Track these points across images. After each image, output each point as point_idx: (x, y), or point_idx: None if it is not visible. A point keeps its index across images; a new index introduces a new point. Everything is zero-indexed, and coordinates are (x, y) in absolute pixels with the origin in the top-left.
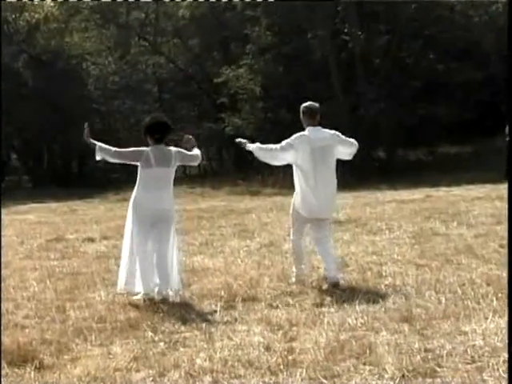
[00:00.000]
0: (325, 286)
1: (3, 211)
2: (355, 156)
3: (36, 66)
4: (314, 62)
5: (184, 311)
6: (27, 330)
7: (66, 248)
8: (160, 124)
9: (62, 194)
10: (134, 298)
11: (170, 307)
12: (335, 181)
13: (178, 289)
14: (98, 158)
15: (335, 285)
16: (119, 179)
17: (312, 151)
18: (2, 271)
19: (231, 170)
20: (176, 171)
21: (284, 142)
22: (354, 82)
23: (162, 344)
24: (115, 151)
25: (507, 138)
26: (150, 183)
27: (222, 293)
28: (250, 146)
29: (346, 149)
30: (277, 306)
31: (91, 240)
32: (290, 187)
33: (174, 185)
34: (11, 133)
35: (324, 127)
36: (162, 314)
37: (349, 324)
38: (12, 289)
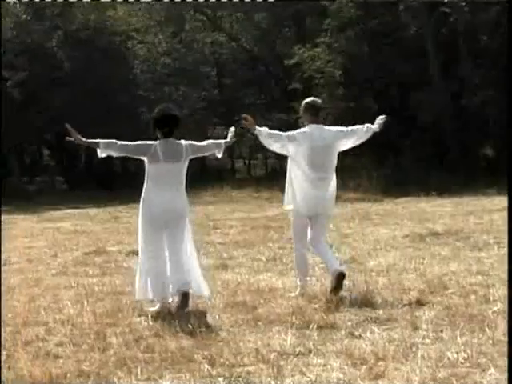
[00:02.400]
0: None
1: (33, 218)
2: (455, 155)
3: (73, 46)
4: (406, 39)
5: (247, 340)
6: (61, 360)
7: (106, 262)
8: (168, 117)
9: (103, 199)
10: (151, 309)
11: (230, 335)
12: (334, 178)
13: (207, 295)
14: (102, 155)
15: (340, 276)
16: None
17: (313, 148)
18: (2, 271)
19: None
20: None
21: (290, 133)
22: (456, 65)
23: (221, 379)
24: (121, 145)
25: None
26: (159, 180)
27: (294, 318)
28: (259, 130)
29: (352, 138)
30: (359, 336)
31: (136, 253)
32: (375, 192)
33: (237, 188)
34: (43, 125)
35: (413, 118)
36: (221, 343)
37: (448, 359)
38: (43, 310)
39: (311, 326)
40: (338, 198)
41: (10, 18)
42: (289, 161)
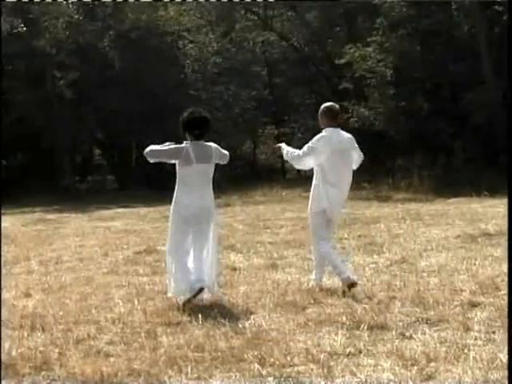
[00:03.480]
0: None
1: (84, 217)
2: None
3: (124, 45)
4: (458, 38)
5: (297, 340)
6: (112, 359)
7: (157, 262)
8: (200, 119)
9: (154, 198)
10: (179, 300)
11: (280, 335)
12: (351, 181)
13: (216, 291)
14: (152, 161)
15: (352, 285)
16: (220, 180)
17: (332, 153)
18: (2, 271)
19: (355, 169)
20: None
21: (306, 147)
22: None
23: (270, 379)
24: (160, 151)
25: None
26: (191, 181)
27: (344, 318)
28: (284, 153)
29: (356, 156)
30: (410, 336)
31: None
32: (427, 192)
33: (287, 188)
34: (94, 124)
35: (465, 118)
36: (271, 343)
37: (500, 361)
38: (94, 309)
39: (362, 327)
40: (389, 198)
41: (62, 19)
42: (316, 170)
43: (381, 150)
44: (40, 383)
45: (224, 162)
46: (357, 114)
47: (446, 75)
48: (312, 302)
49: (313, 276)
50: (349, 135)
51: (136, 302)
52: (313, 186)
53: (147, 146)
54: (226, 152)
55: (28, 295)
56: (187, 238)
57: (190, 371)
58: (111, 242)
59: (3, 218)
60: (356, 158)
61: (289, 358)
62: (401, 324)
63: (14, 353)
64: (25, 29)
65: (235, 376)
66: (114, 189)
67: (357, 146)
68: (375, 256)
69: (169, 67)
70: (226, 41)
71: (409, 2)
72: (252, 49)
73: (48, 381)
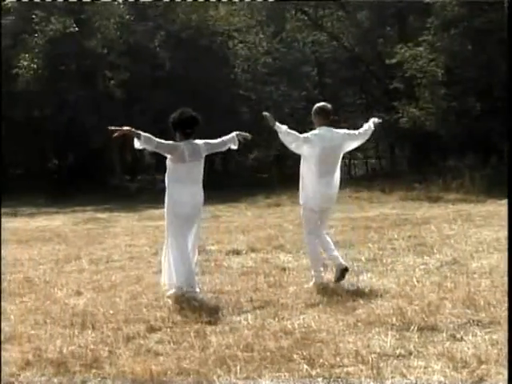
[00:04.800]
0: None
1: (134, 216)
2: None
3: (174, 46)
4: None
5: (347, 341)
6: (161, 358)
7: (206, 261)
8: (191, 118)
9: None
10: (168, 293)
11: (329, 336)
12: (339, 175)
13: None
14: (139, 147)
15: (345, 270)
16: (270, 180)
17: (324, 149)
18: (2, 271)
19: (406, 170)
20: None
21: (305, 135)
22: None
23: (320, 379)
24: (158, 142)
25: None
26: (185, 177)
27: (394, 320)
28: (279, 127)
29: (356, 141)
30: (461, 338)
31: (236, 252)
32: (478, 193)
33: (339, 188)
34: (145, 124)
35: None
36: (320, 344)
37: None
38: (144, 308)
39: (412, 328)
40: (439, 198)
41: (114, 19)
42: (302, 160)
43: (432, 150)
44: (90, 381)
45: (222, 148)
46: (407, 113)
47: (498, 75)
48: (361, 302)
49: (312, 273)
50: (343, 131)
51: (185, 302)
52: (301, 179)
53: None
54: (218, 140)
55: (79, 293)
56: (185, 233)
57: (239, 371)
58: (160, 242)
59: (55, 217)
60: (357, 142)
61: (338, 359)
62: (451, 326)
63: (65, 350)
64: (77, 29)
65: (284, 376)
66: (164, 188)
67: (353, 132)
68: (425, 257)
69: (219, 67)
70: (276, 41)
71: (461, 1)
72: (302, 49)
73: (98, 379)
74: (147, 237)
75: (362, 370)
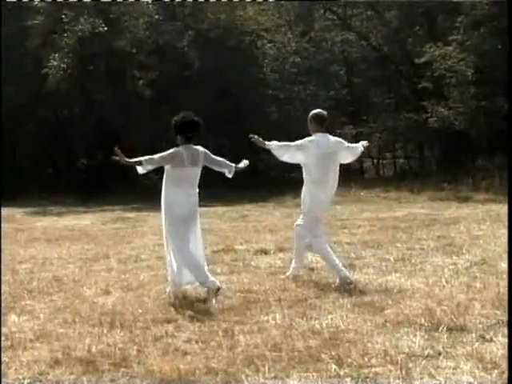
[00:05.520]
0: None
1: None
2: None
3: (203, 45)
4: None
5: (375, 341)
6: (189, 357)
7: (234, 261)
8: (192, 122)
9: (231, 197)
10: (164, 296)
11: (358, 336)
12: (336, 184)
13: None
14: (142, 172)
15: (350, 284)
16: (297, 179)
17: (320, 155)
18: (2, 271)
19: (434, 170)
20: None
21: (298, 142)
22: None
23: (348, 380)
24: (159, 158)
25: None
26: (183, 182)
27: (423, 320)
28: (269, 145)
29: (349, 154)
30: (491, 339)
31: (265, 252)
32: (507, 193)
33: (365, 188)
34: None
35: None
36: (348, 344)
37: None
38: (172, 307)
39: (440, 328)
40: (469, 198)
41: (142, 19)
42: (304, 171)
43: (461, 150)
44: (119, 380)
45: (221, 169)
46: (436, 113)
47: None
48: (390, 302)
49: (292, 265)
50: (337, 139)
51: (213, 301)
52: (304, 192)
53: (225, 145)
54: (220, 159)
55: (107, 293)
56: (184, 233)
57: (267, 370)
58: None
59: (83, 216)
60: (349, 155)
61: (366, 359)
62: (481, 326)
63: (93, 349)
64: (106, 29)
65: (312, 376)
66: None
67: (348, 145)
68: (454, 257)
69: (247, 67)
70: (304, 40)
71: (491, 0)
72: (331, 48)
73: (127, 378)
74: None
75: (390, 371)
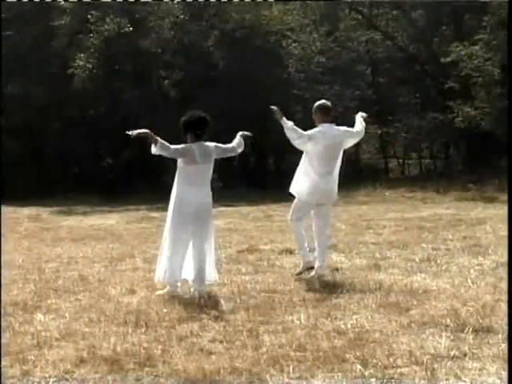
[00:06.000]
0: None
1: None
2: None
3: (228, 45)
4: None
5: (400, 342)
6: (214, 356)
7: (259, 260)
8: (200, 120)
9: (256, 197)
10: (157, 293)
11: (383, 336)
12: (338, 171)
13: (215, 280)
14: (155, 152)
15: (318, 277)
16: None
17: (326, 146)
18: (2, 271)
19: (460, 170)
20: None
21: (309, 132)
22: None
23: (373, 380)
24: (173, 148)
25: None
26: (195, 179)
27: (448, 321)
28: (286, 122)
29: (353, 140)
30: None
31: (289, 252)
32: None
33: (391, 188)
34: None
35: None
36: (373, 344)
37: None
38: (197, 307)
39: (466, 329)
40: (495, 199)
41: (168, 19)
42: (303, 155)
43: (487, 150)
44: (143, 379)
45: (231, 154)
46: (463, 113)
47: None
48: (415, 303)
49: (300, 253)
50: (342, 128)
51: (238, 301)
52: (298, 173)
53: (250, 145)
54: (228, 145)
55: (132, 292)
56: (187, 233)
57: (291, 370)
58: (214, 241)
59: (108, 215)
60: (354, 140)
61: (391, 360)
62: (507, 327)
63: (118, 348)
64: (131, 29)
65: (337, 376)
66: (217, 187)
67: (352, 130)
68: (480, 258)
69: (272, 67)
70: (329, 40)
71: None
72: (356, 48)
73: (151, 377)
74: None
75: (415, 371)
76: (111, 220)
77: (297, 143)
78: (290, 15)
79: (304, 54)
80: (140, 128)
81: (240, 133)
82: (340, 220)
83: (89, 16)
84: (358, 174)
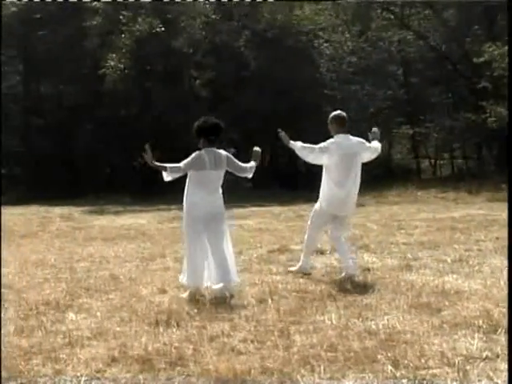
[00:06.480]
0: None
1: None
2: None
3: (259, 45)
4: None
5: (432, 343)
6: (245, 356)
7: (290, 261)
8: (214, 126)
9: (287, 197)
10: (182, 295)
11: (414, 337)
12: (359, 183)
13: (236, 281)
14: (168, 179)
15: (351, 277)
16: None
17: (342, 156)
18: (2, 271)
19: (493, 171)
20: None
21: (322, 145)
22: None
23: (404, 381)
24: (184, 165)
25: None
26: (205, 185)
27: (481, 322)
28: (294, 144)
29: (369, 154)
30: None
31: (320, 252)
32: None
33: (422, 188)
34: (229, 124)
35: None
36: (404, 345)
37: None
38: (228, 306)
39: (499, 331)
40: None
41: (199, 19)
42: (324, 168)
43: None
44: (175, 379)
45: (242, 174)
46: (495, 113)
47: None
48: (447, 304)
49: (302, 257)
50: (358, 139)
51: (269, 301)
52: (322, 185)
53: (281, 146)
54: (244, 165)
55: (163, 291)
56: (201, 237)
57: (322, 371)
58: (245, 241)
59: (140, 215)
60: (369, 155)
61: (423, 361)
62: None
63: (150, 348)
64: (163, 29)
65: (368, 377)
66: (248, 187)
67: (369, 145)
68: None
69: (304, 67)
70: (361, 40)
71: None
72: (388, 48)
73: (183, 376)
74: (231, 236)
75: (447, 373)
76: (142, 220)
77: (311, 159)
78: (321, 15)
79: (335, 53)
80: (171, 129)
81: (255, 154)
82: (371, 220)
83: (121, 16)
84: (389, 174)
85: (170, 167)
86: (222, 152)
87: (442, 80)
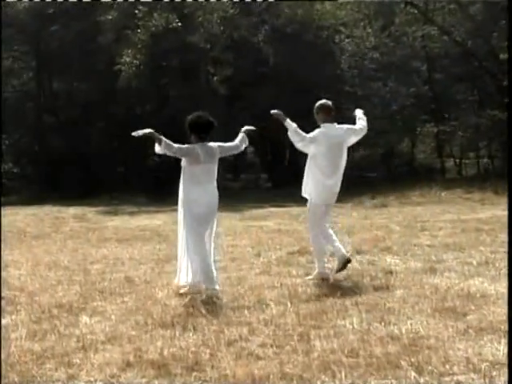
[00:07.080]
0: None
1: (236, 216)
2: None
3: (279, 40)
4: None
5: (457, 348)
6: (264, 361)
7: (310, 263)
8: (207, 123)
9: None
10: (181, 291)
11: (438, 342)
12: (343, 171)
13: (217, 290)
14: (159, 152)
15: (347, 262)
16: (376, 180)
17: (329, 146)
18: (2, 271)
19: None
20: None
21: (311, 134)
22: None
23: None
24: (177, 147)
25: None
26: (200, 178)
27: (507, 326)
28: (290, 124)
29: (354, 138)
30: None
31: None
32: None
33: (447, 189)
34: (247, 121)
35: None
36: (428, 350)
37: None
38: (246, 310)
39: None
40: None
41: (217, 14)
42: (308, 157)
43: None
44: None
45: (235, 151)
46: None
47: None
48: (473, 308)
49: (316, 265)
50: (345, 127)
51: (289, 304)
52: (307, 175)
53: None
54: (231, 143)
55: (180, 294)
56: (202, 232)
57: (343, 377)
58: (264, 242)
59: (155, 216)
60: (354, 139)
61: (448, 367)
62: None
63: (165, 352)
64: (179, 24)
65: (391, 383)
66: (267, 187)
67: (356, 127)
68: None
69: (324, 63)
70: (384, 35)
71: None
72: (411, 43)
73: (199, 382)
74: (250, 237)
75: (473, 379)
76: (158, 220)
77: (299, 146)
78: (342, 10)
79: (357, 49)
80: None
81: (243, 128)
82: (394, 221)
83: (136, 11)
84: (412, 173)
85: (166, 142)
86: (213, 144)
87: (467, 77)
